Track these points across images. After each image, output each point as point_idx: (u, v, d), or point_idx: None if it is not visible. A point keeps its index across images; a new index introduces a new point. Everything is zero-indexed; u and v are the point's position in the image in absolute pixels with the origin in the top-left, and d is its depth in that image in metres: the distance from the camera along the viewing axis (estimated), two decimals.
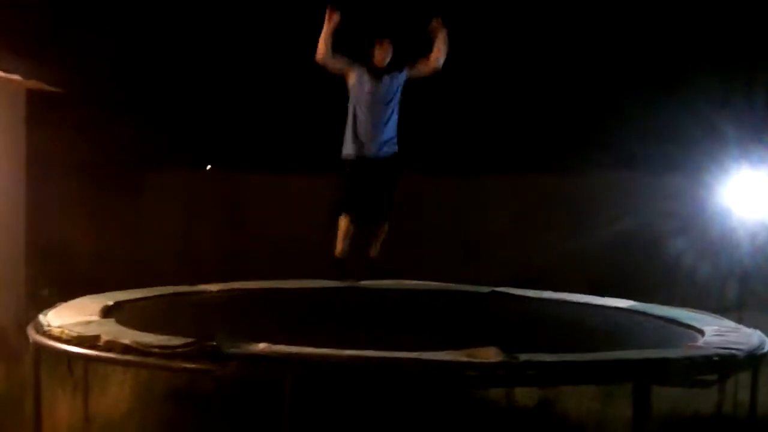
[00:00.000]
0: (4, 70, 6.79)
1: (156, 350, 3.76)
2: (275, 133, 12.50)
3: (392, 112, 5.74)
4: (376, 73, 5.72)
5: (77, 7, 10.79)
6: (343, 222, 5.85)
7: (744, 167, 6.88)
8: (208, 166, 11.92)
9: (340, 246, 5.91)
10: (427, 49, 5.67)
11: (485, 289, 6.33)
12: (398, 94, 5.75)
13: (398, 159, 5.81)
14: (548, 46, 11.22)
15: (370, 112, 5.66)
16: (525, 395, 5.38)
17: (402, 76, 5.75)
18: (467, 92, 11.67)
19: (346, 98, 5.85)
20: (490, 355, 3.67)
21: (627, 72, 10.77)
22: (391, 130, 5.74)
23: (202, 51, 12.46)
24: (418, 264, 8.98)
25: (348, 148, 5.75)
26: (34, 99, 7.82)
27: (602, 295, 6.07)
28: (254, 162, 11.89)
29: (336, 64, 5.68)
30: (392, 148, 5.78)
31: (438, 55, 5.60)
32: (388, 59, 5.73)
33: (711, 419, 4.93)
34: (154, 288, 5.81)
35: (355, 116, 5.71)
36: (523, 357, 3.67)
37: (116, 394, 5.20)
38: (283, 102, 12.52)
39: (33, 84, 7.39)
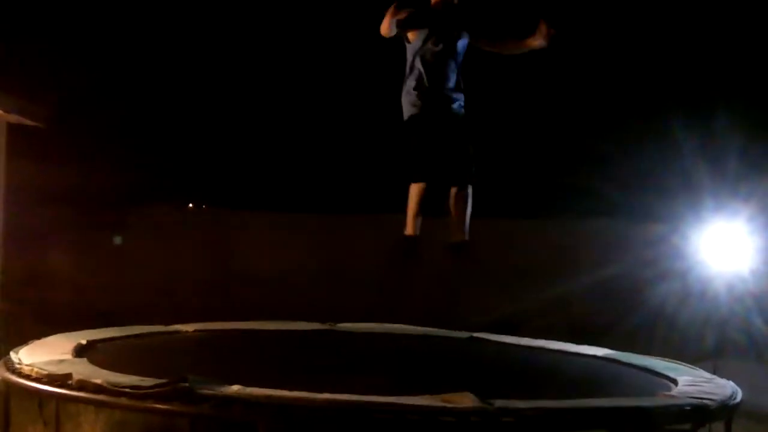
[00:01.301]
0: None
1: (127, 390, 3.72)
2: (260, 170, 12.55)
3: (459, 72, 4.96)
4: (445, 27, 4.92)
5: (61, 43, 10.86)
6: (414, 189, 4.90)
7: (720, 218, 6.98)
8: (190, 204, 11.92)
9: (410, 221, 4.93)
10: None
11: (464, 335, 6.35)
12: (461, 57, 4.97)
13: (470, 121, 4.99)
14: (527, 95, 11.38)
15: (437, 69, 4.88)
16: None
17: (466, 37, 4.98)
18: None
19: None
20: (465, 400, 3.67)
21: (606, 121, 10.94)
22: (459, 89, 4.97)
23: (187, 88, 12.54)
24: (401, 307, 8.97)
25: (411, 108, 4.93)
26: (14, 132, 7.82)
27: (582, 341, 6.08)
28: (238, 199, 11.92)
29: (404, 31, 4.87)
30: (461, 109, 4.99)
31: (537, 41, 4.79)
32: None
33: None
34: (129, 327, 5.76)
35: (418, 74, 4.91)
36: (498, 403, 3.66)
37: None
38: (268, 140, 12.59)
39: (14, 118, 7.39)
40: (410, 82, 4.97)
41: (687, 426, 4.12)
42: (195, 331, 5.94)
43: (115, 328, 5.66)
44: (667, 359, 5.38)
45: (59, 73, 10.43)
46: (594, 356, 5.64)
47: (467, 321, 7.00)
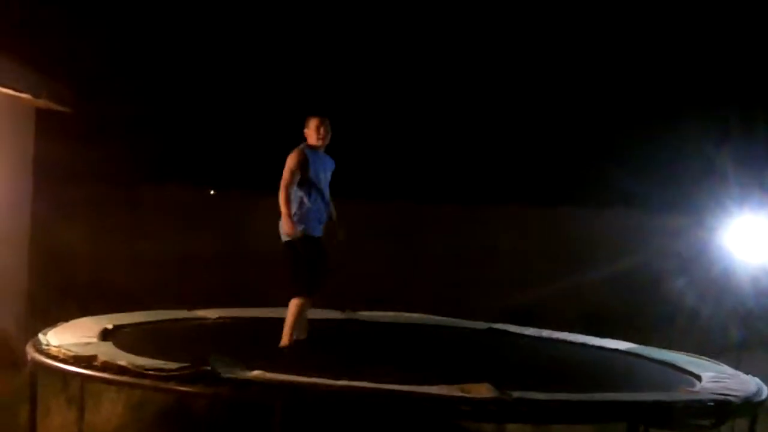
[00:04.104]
0: (15, 89, 6.89)
1: (151, 373, 3.78)
2: (277, 154, 12.55)
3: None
4: (324, 155, 5.47)
5: (88, 29, 10.96)
6: (299, 305, 5.15)
7: (745, 210, 6.88)
8: (212, 191, 11.97)
9: (292, 334, 5.11)
10: None
11: (483, 325, 6.32)
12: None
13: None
14: (550, 83, 11.28)
15: (321, 195, 5.36)
16: None
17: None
18: (471, 122, 11.73)
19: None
20: (483, 390, 3.67)
21: (628, 110, 10.85)
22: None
23: (209, 72, 12.59)
24: (416, 294, 8.97)
25: (301, 228, 5.28)
26: (42, 115, 7.94)
27: (599, 332, 6.04)
28: (258, 183, 11.94)
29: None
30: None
31: None
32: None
33: None
34: (153, 312, 5.82)
35: (307, 201, 5.34)
36: (516, 394, 3.67)
37: (109, 412, 5.20)
38: (286, 125, 12.60)
39: (42, 103, 7.50)
40: (302, 209, 5.31)
41: (709, 422, 4.08)
42: (218, 317, 5.99)
43: (140, 312, 5.73)
44: (690, 354, 5.32)
45: (84, 58, 10.53)
46: (616, 350, 5.60)
47: (483, 309, 6.98)
